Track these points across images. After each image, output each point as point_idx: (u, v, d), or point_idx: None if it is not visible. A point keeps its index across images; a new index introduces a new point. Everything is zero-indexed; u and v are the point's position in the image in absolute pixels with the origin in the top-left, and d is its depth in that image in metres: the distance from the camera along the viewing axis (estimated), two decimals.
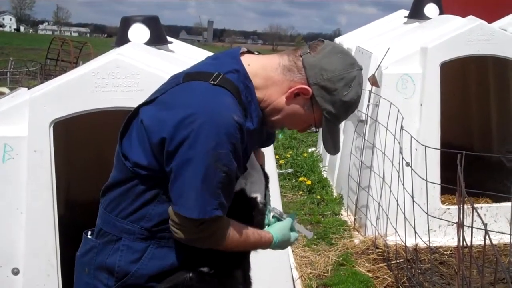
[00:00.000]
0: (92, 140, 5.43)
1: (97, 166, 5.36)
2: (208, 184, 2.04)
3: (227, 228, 2.17)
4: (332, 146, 2.29)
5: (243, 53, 2.28)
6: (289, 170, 7.69)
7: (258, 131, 2.26)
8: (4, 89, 16.48)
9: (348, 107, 2.22)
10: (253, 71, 2.21)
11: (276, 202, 3.70)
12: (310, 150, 9.61)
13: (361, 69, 2.26)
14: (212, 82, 2.10)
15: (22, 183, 3.59)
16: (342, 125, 7.34)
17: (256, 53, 2.35)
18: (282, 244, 2.43)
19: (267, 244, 2.35)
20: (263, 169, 2.52)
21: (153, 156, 2.08)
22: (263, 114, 2.24)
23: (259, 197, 2.39)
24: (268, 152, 3.59)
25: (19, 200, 3.59)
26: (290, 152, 9.32)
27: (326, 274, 5.25)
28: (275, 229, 2.39)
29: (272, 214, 2.44)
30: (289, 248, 4.92)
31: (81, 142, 5.47)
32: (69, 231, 3.78)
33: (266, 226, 2.41)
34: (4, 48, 39.92)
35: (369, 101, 6.11)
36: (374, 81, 5.92)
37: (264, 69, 2.22)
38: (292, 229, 2.47)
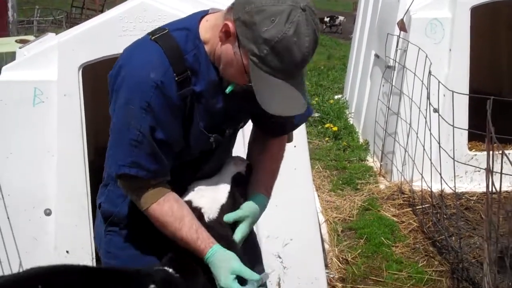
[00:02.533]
0: None
1: None
2: (121, 140, 2.01)
3: (152, 195, 2.07)
4: (267, 102, 1.92)
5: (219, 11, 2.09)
6: (316, 115, 7.68)
7: (215, 95, 2.09)
8: (31, 38, 16.54)
9: (277, 50, 1.84)
10: (208, 26, 2.05)
11: (303, 148, 3.72)
12: (336, 97, 9.57)
13: (304, 10, 1.84)
14: (151, 37, 2.04)
15: (53, 126, 3.65)
16: (369, 72, 7.34)
17: None
18: (214, 267, 2.04)
19: (199, 251, 2.06)
20: (243, 181, 2.29)
21: None
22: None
23: (204, 209, 2.15)
24: None
25: (51, 143, 3.66)
26: (316, 99, 9.31)
27: (351, 218, 5.30)
28: (219, 250, 2.05)
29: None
30: (315, 192, 4.97)
31: (107, 87, 5.51)
32: (99, 177, 3.85)
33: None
34: None
35: (397, 47, 6.03)
36: (402, 26, 5.83)
37: (216, 19, 2.05)
38: (238, 277, 2.03)
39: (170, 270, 2.03)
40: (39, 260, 3.71)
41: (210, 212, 2.16)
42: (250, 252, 2.37)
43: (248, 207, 2.21)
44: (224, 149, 2.33)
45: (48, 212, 3.68)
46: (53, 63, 3.67)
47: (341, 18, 31.36)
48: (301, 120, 2.37)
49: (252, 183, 2.31)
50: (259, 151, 2.39)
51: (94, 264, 3.70)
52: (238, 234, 2.16)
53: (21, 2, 27.86)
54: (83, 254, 3.70)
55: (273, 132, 2.37)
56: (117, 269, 2.08)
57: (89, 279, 1.88)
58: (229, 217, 2.16)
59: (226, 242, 2.10)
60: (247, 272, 2.02)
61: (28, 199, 3.70)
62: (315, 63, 15.87)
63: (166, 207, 2.07)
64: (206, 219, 2.15)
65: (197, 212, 2.14)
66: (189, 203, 2.15)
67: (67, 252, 3.70)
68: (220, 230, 2.14)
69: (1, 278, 1.84)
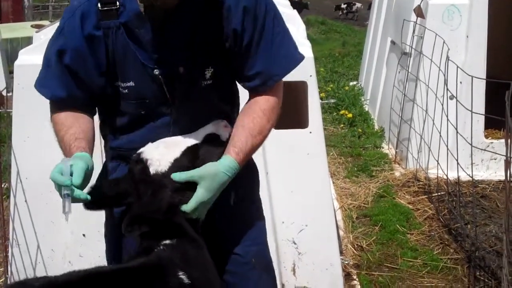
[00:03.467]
0: None
1: None
2: (44, 59, 2.22)
3: (52, 109, 2.27)
4: None
5: None
6: (332, 101, 7.66)
7: (142, 26, 2.06)
8: (46, 23, 16.61)
9: None
10: None
11: (318, 135, 3.71)
12: (351, 83, 9.53)
13: None
14: None
15: None
16: (385, 59, 7.28)
17: None
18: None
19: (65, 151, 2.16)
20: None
21: None
22: None
23: (151, 160, 2.01)
24: (311, 84, 3.59)
25: None
26: (331, 86, 9.28)
27: (366, 205, 5.29)
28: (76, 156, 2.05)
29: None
30: (330, 179, 4.96)
31: None
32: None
33: None
34: None
35: (413, 33, 5.99)
36: (419, 12, 5.78)
37: None
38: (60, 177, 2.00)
39: (167, 241, 1.96)
40: (56, 243, 3.75)
41: (158, 165, 1.99)
42: (238, 228, 2.37)
43: (205, 168, 2.00)
44: (198, 105, 2.20)
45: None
46: None
47: (358, 5, 31.14)
48: (282, 70, 2.21)
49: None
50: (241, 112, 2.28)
51: None
52: (192, 201, 1.96)
53: None
54: (99, 238, 3.71)
55: (250, 86, 2.23)
56: (136, 267, 1.95)
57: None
58: (178, 176, 1.97)
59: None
60: (59, 178, 1.99)
61: (45, 183, 3.67)
62: (330, 50, 15.82)
63: (62, 115, 2.20)
64: (152, 171, 1.99)
65: (142, 164, 2.01)
66: (138, 154, 2.04)
67: (83, 235, 3.72)
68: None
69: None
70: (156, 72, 2.10)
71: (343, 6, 31.06)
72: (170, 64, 2.10)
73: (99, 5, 2.06)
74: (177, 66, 2.11)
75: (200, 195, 1.97)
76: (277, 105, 2.21)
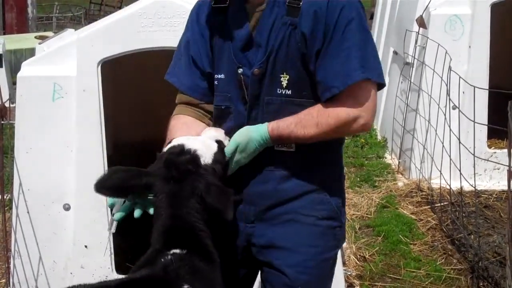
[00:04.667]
0: (138, 82, 5.48)
1: (144, 107, 5.44)
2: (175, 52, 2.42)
3: (176, 109, 2.40)
4: None
5: None
6: None
7: (242, 22, 2.22)
8: (50, 34, 16.67)
9: None
10: None
11: None
12: None
13: None
14: None
15: (72, 121, 3.67)
16: (387, 69, 7.28)
17: None
18: None
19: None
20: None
21: None
22: None
23: (199, 151, 2.08)
24: None
25: (70, 138, 3.68)
26: None
27: (369, 216, 5.28)
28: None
29: None
30: None
31: (127, 84, 5.53)
32: None
33: None
34: None
35: (416, 43, 6.00)
36: (421, 22, 5.79)
37: None
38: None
39: (177, 251, 1.93)
40: (58, 254, 3.74)
41: (205, 156, 2.07)
42: (297, 249, 2.28)
43: (240, 133, 2.19)
44: (274, 113, 2.21)
45: (67, 207, 3.71)
46: (72, 58, 3.69)
47: None
48: (339, 83, 2.12)
49: None
50: None
51: (112, 259, 3.72)
52: (232, 163, 2.18)
53: None
54: (101, 249, 3.72)
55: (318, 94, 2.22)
56: (141, 279, 1.94)
57: None
58: (228, 150, 2.17)
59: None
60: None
61: (48, 194, 3.72)
62: None
63: (180, 121, 2.34)
64: (202, 161, 2.05)
65: (192, 154, 2.05)
66: (181, 146, 2.08)
67: (85, 247, 3.72)
68: (212, 179, 2.03)
69: None
70: (240, 70, 2.21)
71: None
72: (250, 64, 2.20)
73: (212, 1, 2.28)
74: (254, 67, 2.19)
75: (236, 158, 2.17)
76: (336, 117, 2.13)
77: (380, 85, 2.20)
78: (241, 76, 2.21)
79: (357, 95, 2.13)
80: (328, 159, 2.31)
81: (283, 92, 2.19)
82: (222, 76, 2.27)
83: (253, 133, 2.16)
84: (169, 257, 1.90)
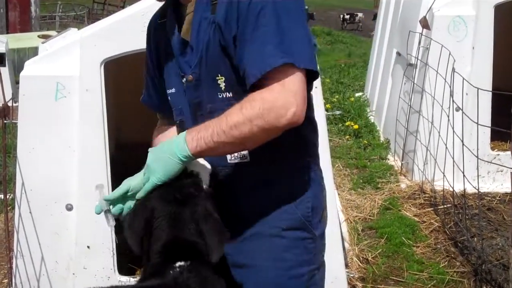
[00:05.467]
0: (140, 82, 5.47)
1: (145, 108, 5.43)
2: None
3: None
4: None
5: None
6: (337, 112, 7.65)
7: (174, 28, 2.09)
8: (53, 33, 16.70)
9: None
10: None
11: (323, 146, 3.69)
12: (357, 94, 9.52)
13: None
14: None
15: (75, 121, 3.66)
16: (390, 70, 7.27)
17: None
18: None
19: None
20: None
21: None
22: None
23: (201, 176, 2.02)
24: (317, 95, 3.57)
25: (72, 138, 3.67)
26: (337, 97, 9.27)
27: (371, 218, 5.27)
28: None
29: None
30: (335, 191, 4.95)
31: (129, 83, 5.51)
32: (118, 171, 3.86)
33: None
34: None
35: (419, 44, 5.98)
36: (425, 24, 5.78)
37: None
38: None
39: (182, 263, 1.88)
40: (60, 255, 3.74)
41: (205, 179, 2.01)
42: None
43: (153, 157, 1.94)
44: (203, 98, 2.05)
45: (69, 207, 3.70)
46: (75, 58, 3.68)
47: (360, 15, 31.67)
48: (256, 71, 1.86)
49: None
50: None
51: (115, 260, 3.71)
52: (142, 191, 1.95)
53: None
54: (103, 250, 3.71)
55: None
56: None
57: None
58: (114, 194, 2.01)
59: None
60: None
61: (50, 194, 3.71)
62: (335, 61, 15.83)
63: (155, 133, 2.39)
64: (203, 185, 1.99)
65: (194, 177, 1.97)
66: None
67: (88, 247, 3.71)
68: (211, 208, 1.93)
69: None
70: (184, 79, 2.07)
71: (346, 16, 31.41)
72: (185, 71, 2.05)
73: (158, 18, 2.22)
74: (187, 74, 2.04)
75: (148, 185, 1.93)
76: (261, 100, 1.83)
77: (312, 74, 1.92)
78: (184, 80, 2.07)
79: (282, 81, 1.84)
80: (293, 167, 2.08)
81: (224, 96, 1.99)
82: (173, 90, 2.15)
83: (164, 151, 1.92)
84: (177, 269, 1.87)
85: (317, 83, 3.59)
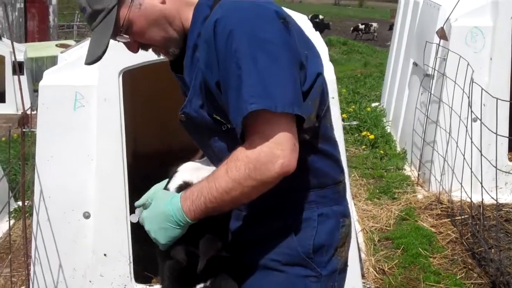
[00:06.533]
0: (156, 92, 5.51)
1: (161, 117, 5.47)
2: None
3: None
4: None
5: None
6: (354, 123, 7.64)
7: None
8: (71, 42, 16.85)
9: None
10: None
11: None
12: (373, 104, 9.50)
13: None
14: None
15: (93, 130, 3.69)
16: (407, 80, 7.25)
17: None
18: None
19: None
20: None
21: None
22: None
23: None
24: (334, 106, 3.57)
25: (90, 147, 3.70)
26: (353, 107, 9.25)
27: (388, 228, 5.24)
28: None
29: None
30: (351, 200, 4.93)
31: (146, 93, 5.56)
32: (134, 180, 3.89)
33: None
34: (70, 2, 40.56)
35: (436, 55, 5.97)
36: (442, 34, 5.77)
37: None
38: None
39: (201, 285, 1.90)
40: (78, 262, 3.76)
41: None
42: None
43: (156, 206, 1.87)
44: (203, 143, 2.01)
45: (87, 215, 3.73)
46: (94, 68, 3.70)
47: (375, 25, 31.83)
48: (236, 121, 1.74)
49: None
50: None
51: (131, 268, 3.73)
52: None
53: (62, 7, 28.38)
54: (120, 258, 3.74)
55: None
56: None
57: None
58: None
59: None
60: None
61: (68, 202, 3.74)
62: (351, 70, 15.82)
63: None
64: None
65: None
66: (190, 184, 1.91)
67: (104, 255, 3.73)
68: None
69: None
70: (181, 112, 1.98)
71: (361, 26, 31.51)
72: (182, 110, 1.97)
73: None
74: (185, 109, 1.95)
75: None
76: (245, 159, 1.73)
77: (298, 118, 1.75)
78: (180, 112, 1.99)
79: (262, 131, 1.71)
80: (296, 199, 1.94)
81: (229, 126, 1.86)
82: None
83: (164, 219, 1.83)
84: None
85: (333, 94, 3.60)
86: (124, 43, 1.95)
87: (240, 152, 1.73)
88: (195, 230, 1.83)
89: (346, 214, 2.04)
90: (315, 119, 1.89)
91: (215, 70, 1.77)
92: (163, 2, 1.88)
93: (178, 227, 1.80)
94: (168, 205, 1.81)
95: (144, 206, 1.91)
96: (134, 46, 1.95)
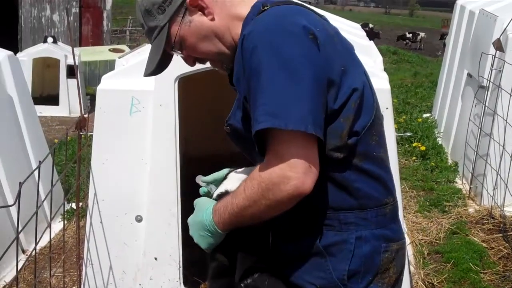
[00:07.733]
0: (208, 97, 5.56)
1: (213, 122, 5.51)
2: None
3: None
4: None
5: None
6: (408, 134, 7.55)
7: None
8: (124, 47, 17.14)
9: None
10: None
11: (393, 168, 3.66)
12: (424, 115, 9.39)
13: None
14: None
15: (147, 135, 3.74)
16: (460, 92, 7.14)
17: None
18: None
19: None
20: None
21: None
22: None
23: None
24: (388, 116, 3.54)
25: (144, 151, 3.75)
26: (404, 117, 9.16)
27: (438, 241, 5.17)
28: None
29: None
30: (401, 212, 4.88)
31: (198, 98, 5.62)
32: (184, 184, 3.92)
33: None
34: (123, 7, 41.31)
35: (492, 66, 5.86)
36: (499, 46, 5.66)
37: None
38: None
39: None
40: (128, 265, 3.82)
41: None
42: None
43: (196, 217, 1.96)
44: (251, 154, 1.98)
45: (139, 219, 3.78)
46: None
47: (422, 34, 31.89)
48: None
49: None
50: None
51: (181, 273, 3.77)
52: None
53: (115, 12, 28.87)
54: (170, 262, 3.78)
55: None
56: None
57: None
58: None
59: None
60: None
61: (121, 205, 3.80)
62: (401, 80, 15.66)
63: None
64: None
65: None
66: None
67: (155, 259, 3.78)
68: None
69: None
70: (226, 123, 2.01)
71: (409, 35, 31.44)
72: (226, 122, 1.99)
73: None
74: (228, 121, 1.97)
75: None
76: (258, 178, 1.75)
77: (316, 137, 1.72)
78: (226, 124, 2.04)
79: (276, 150, 1.72)
80: (330, 219, 1.88)
81: None
82: None
83: (202, 228, 1.92)
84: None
85: (388, 104, 3.57)
86: (181, 57, 2.04)
87: (256, 171, 1.77)
88: (236, 234, 1.91)
89: (391, 239, 1.92)
90: (347, 137, 1.82)
91: (244, 85, 1.80)
92: (212, 19, 1.93)
93: (213, 236, 1.90)
94: (204, 215, 1.91)
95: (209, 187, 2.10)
96: (189, 60, 2.06)
